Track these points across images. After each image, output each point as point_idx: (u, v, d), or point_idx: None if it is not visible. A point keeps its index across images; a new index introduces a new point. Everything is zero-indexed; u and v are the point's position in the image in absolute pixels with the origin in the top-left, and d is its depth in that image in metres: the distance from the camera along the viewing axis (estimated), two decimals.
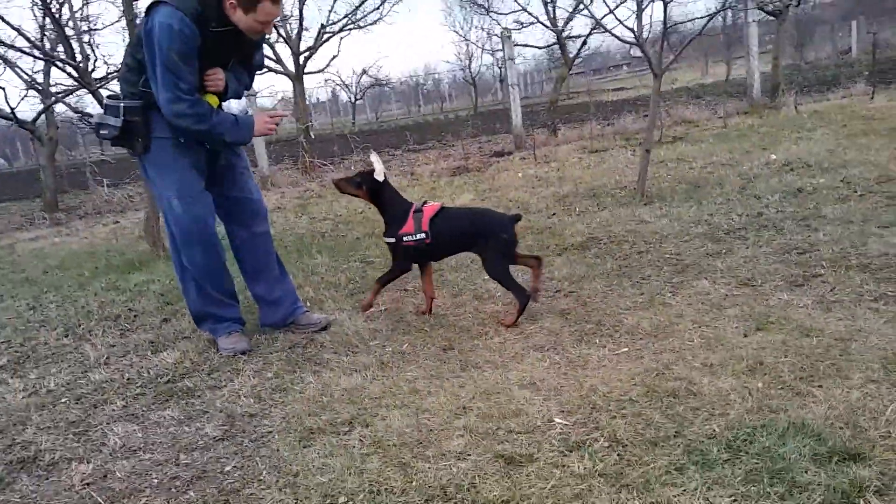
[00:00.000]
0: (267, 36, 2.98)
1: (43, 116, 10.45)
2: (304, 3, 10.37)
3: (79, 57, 5.39)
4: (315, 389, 2.51)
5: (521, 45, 10.68)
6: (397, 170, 9.33)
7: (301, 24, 10.46)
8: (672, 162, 6.68)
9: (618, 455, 1.84)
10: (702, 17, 5.14)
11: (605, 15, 5.82)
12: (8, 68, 9.98)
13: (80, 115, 7.36)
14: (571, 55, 11.29)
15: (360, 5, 10.31)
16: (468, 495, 1.76)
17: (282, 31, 10.47)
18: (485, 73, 30.46)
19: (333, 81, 32.11)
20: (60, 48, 7.89)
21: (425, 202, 3.13)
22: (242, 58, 2.99)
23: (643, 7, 5.22)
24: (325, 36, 10.67)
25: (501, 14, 14.09)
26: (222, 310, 3.10)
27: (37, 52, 6.07)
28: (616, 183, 6.03)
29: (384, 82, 33.06)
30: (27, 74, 10.03)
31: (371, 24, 11.02)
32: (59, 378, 2.88)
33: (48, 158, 10.33)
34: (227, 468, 2.06)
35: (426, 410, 2.24)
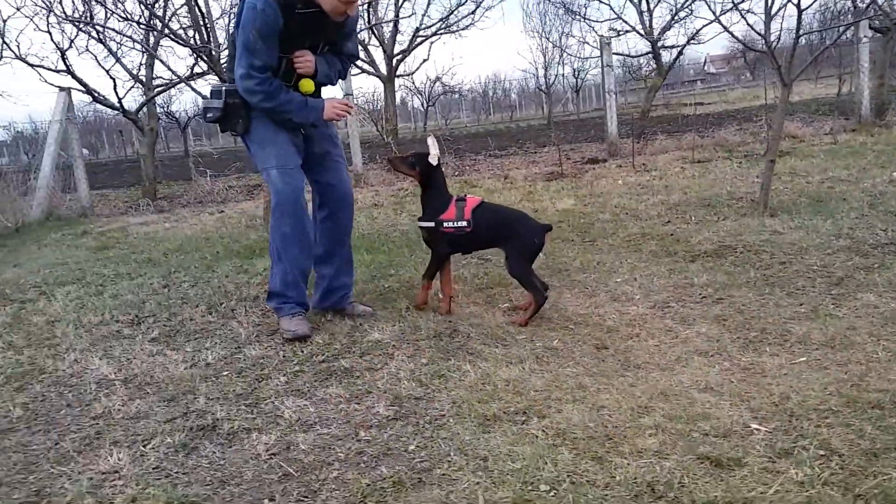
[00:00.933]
0: (350, 16, 3.03)
1: (145, 108, 10.91)
2: (400, 7, 10.49)
3: (212, 45, 5.59)
4: (475, 378, 2.49)
5: (617, 54, 10.51)
6: (488, 173, 9.31)
7: (396, 27, 10.59)
8: (786, 175, 6.44)
9: (837, 465, 1.74)
10: (831, 27, 4.91)
11: (724, 12, 5.64)
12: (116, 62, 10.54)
13: (201, 96, 7.53)
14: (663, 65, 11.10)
15: (455, 9, 10.36)
16: (679, 494, 1.70)
17: (376, 33, 10.62)
18: (554, 83, 30.07)
19: (406, 87, 32.39)
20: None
21: (465, 194, 3.21)
22: (331, 43, 3.07)
23: (772, 14, 5.05)
24: (419, 40, 10.77)
25: (596, 21, 13.93)
26: (293, 291, 3.15)
27: (178, 42, 6.33)
28: (729, 194, 5.85)
29: (457, 90, 33.17)
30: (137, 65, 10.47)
31: (463, 29, 11.03)
32: (216, 352, 2.95)
33: (149, 148, 10.74)
34: (411, 447, 2.06)
35: (602, 407, 2.19)
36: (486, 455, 1.96)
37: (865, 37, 9.28)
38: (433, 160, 3.17)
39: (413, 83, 28.67)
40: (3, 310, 4.01)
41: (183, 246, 5.57)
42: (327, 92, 3.32)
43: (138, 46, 10.88)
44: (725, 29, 5.34)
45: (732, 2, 4.89)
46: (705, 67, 59.44)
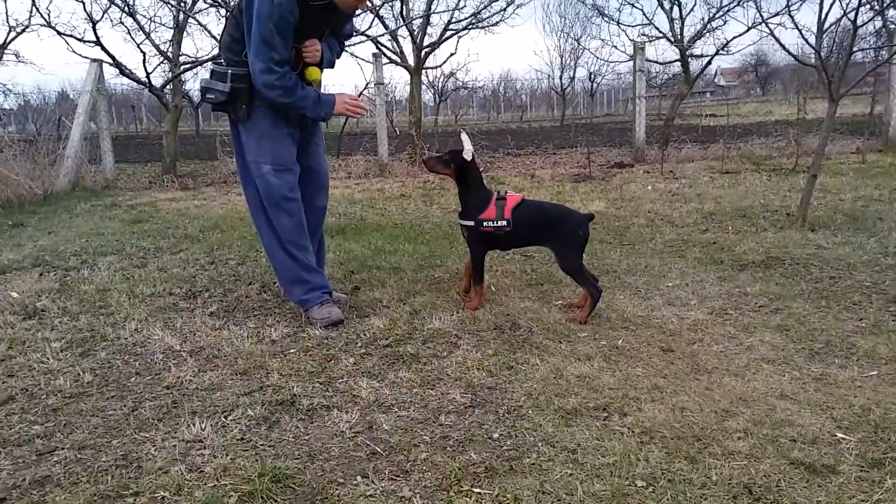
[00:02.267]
0: (359, 12, 3.04)
1: (170, 84, 10.88)
2: (433, 1, 10.46)
3: None
4: (546, 372, 2.50)
5: (649, 60, 10.51)
6: (513, 171, 9.32)
7: (427, 20, 10.56)
8: (817, 192, 6.44)
9: None
10: (884, 46, 4.92)
11: (773, 16, 5.62)
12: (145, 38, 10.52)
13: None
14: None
15: (489, 3, 10.33)
16: (779, 497, 1.71)
17: (408, 27, 10.59)
18: (569, 86, 30.00)
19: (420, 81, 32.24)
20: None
21: (507, 192, 3.17)
22: (335, 29, 3.08)
23: (824, 29, 5.06)
24: (448, 33, 10.75)
25: (628, 26, 13.90)
26: (313, 276, 3.14)
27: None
28: (762, 206, 5.86)
29: (471, 86, 33.11)
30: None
31: (494, 25, 11.01)
32: (279, 330, 2.96)
33: (172, 125, 10.71)
34: (495, 435, 2.07)
35: (683, 408, 2.20)
36: (574, 448, 1.97)
37: None
38: (467, 155, 3.14)
39: (427, 77, 28.59)
40: (47, 276, 4.02)
41: (218, 224, 5.56)
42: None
43: (168, 21, 10.89)
44: (775, 39, 5.34)
45: (788, 10, 4.86)
46: (715, 79, 59.39)
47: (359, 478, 1.87)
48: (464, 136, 3.19)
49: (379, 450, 2.00)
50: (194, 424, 2.14)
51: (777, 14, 7.37)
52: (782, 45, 5.12)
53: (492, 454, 1.96)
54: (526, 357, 2.65)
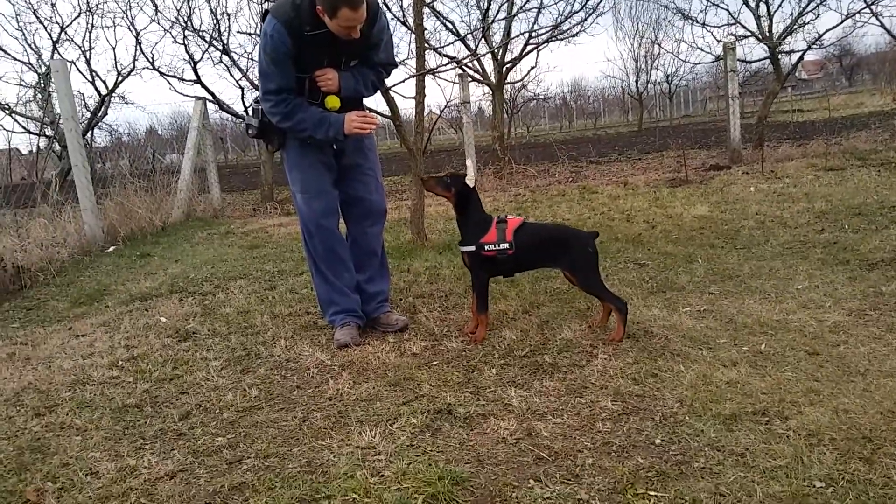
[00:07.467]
0: (375, 29, 3.04)
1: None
2: (513, 18, 10.60)
3: None
4: (693, 378, 2.52)
5: (741, 60, 10.24)
6: (603, 179, 9.27)
7: (508, 36, 10.70)
8: None
9: None
10: None
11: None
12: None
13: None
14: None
15: (569, 15, 10.38)
16: None
17: (490, 47, 10.76)
18: (646, 90, 29.42)
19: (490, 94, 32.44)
20: None
21: (507, 215, 3.10)
22: (355, 57, 3.13)
23: None
24: (529, 47, 10.85)
25: (715, 27, 13.62)
26: (343, 299, 3.30)
27: None
28: (878, 202, 5.62)
29: (543, 97, 33.03)
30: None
31: (573, 36, 11.04)
32: (418, 344, 3.09)
33: (269, 155, 11.27)
34: (657, 440, 2.11)
35: (846, 410, 2.18)
36: (742, 451, 1.99)
37: None
38: (470, 182, 3.09)
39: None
40: (187, 301, 4.33)
41: None
42: (370, 102, 3.33)
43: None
44: (883, 26, 5.15)
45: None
46: (797, 73, 56.79)
47: (531, 481, 1.95)
48: (469, 162, 3.22)
49: (544, 455, 2.08)
50: (364, 432, 2.28)
51: (873, 3, 7.06)
52: (890, 33, 4.93)
53: (659, 459, 2.01)
54: (669, 365, 2.68)
